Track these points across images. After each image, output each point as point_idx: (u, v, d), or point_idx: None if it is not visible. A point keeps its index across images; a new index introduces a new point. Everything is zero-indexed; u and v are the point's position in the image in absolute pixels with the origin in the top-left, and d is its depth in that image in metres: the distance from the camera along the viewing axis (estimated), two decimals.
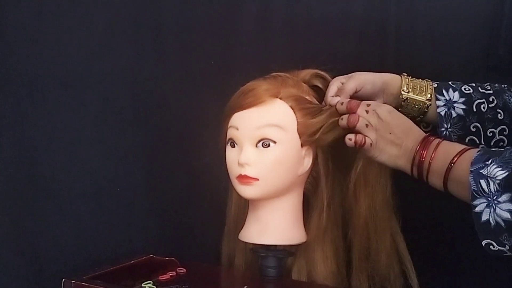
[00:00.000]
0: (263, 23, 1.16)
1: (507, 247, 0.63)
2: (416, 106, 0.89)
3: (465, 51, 1.13)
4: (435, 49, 1.15)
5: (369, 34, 1.17)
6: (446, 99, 0.89)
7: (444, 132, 0.88)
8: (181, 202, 1.16)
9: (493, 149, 0.69)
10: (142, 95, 1.13)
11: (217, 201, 1.14)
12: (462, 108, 0.88)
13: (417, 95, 0.89)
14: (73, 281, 0.88)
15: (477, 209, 0.65)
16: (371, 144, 0.80)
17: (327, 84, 0.91)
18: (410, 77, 0.91)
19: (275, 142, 0.84)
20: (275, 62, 1.13)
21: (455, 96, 0.89)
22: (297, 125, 0.85)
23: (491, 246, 0.65)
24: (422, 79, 0.92)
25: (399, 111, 0.86)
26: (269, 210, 0.89)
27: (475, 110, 0.88)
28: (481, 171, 0.65)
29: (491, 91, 0.89)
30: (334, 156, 0.90)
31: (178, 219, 1.16)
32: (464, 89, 0.89)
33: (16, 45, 1.06)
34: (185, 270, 0.93)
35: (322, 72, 0.93)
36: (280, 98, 0.86)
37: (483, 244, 0.65)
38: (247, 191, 0.86)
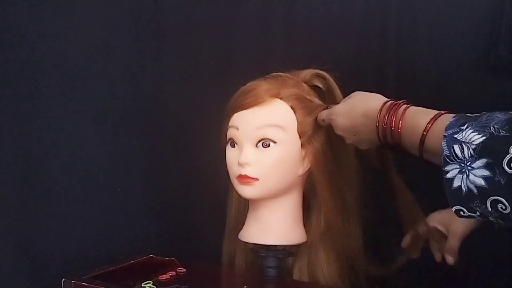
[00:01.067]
0: (263, 23, 1.16)
1: (478, 213, 0.61)
2: None
3: (465, 51, 1.13)
4: (435, 49, 1.15)
5: (369, 34, 1.17)
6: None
7: None
8: (181, 202, 1.16)
9: (469, 114, 0.65)
10: (142, 95, 1.13)
11: (217, 201, 1.14)
12: None
13: None
14: (73, 281, 0.88)
15: (448, 175, 0.62)
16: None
17: (327, 84, 0.91)
18: None
19: (275, 142, 0.84)
20: (275, 62, 1.13)
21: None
22: (297, 125, 0.85)
23: (461, 212, 0.62)
24: None
25: None
26: (269, 210, 0.89)
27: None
28: (455, 136, 0.62)
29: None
30: (333, 156, 0.89)
31: (178, 219, 1.16)
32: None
33: (16, 45, 1.06)
34: (185, 270, 0.93)
35: (322, 72, 0.92)
36: (281, 98, 0.86)
37: (453, 210, 0.63)
38: (247, 191, 0.86)
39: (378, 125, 0.74)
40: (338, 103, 0.85)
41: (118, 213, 1.12)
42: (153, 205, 1.15)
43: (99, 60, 1.10)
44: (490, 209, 0.59)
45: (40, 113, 1.08)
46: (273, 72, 0.91)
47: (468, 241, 0.93)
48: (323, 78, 0.92)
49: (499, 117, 0.60)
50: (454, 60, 1.14)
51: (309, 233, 0.90)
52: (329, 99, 0.91)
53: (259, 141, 0.85)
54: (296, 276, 0.91)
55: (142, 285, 0.86)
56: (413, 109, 0.72)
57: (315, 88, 0.92)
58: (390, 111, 0.73)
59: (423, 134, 0.68)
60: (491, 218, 0.60)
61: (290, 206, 0.88)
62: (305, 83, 0.91)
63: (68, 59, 1.08)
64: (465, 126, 0.62)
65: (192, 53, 1.14)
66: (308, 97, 0.88)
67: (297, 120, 0.85)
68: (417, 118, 0.70)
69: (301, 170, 0.86)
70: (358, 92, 0.81)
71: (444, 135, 0.63)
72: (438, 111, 0.69)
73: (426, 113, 0.70)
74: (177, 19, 1.14)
